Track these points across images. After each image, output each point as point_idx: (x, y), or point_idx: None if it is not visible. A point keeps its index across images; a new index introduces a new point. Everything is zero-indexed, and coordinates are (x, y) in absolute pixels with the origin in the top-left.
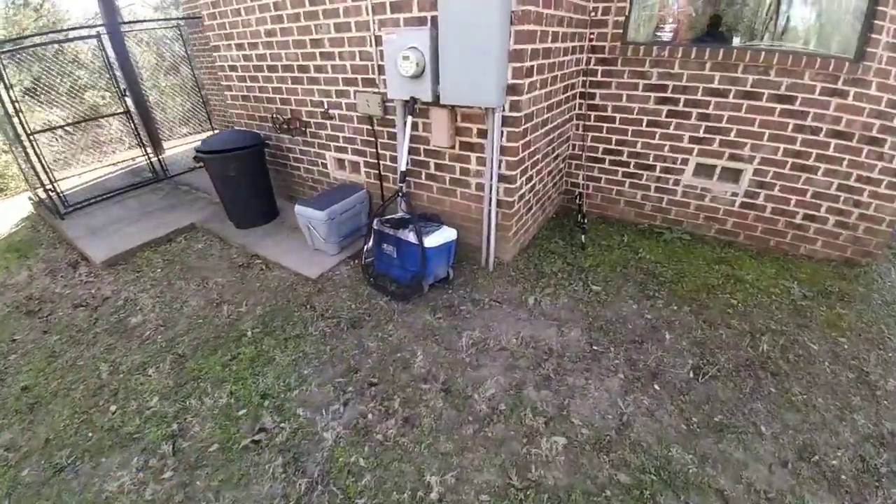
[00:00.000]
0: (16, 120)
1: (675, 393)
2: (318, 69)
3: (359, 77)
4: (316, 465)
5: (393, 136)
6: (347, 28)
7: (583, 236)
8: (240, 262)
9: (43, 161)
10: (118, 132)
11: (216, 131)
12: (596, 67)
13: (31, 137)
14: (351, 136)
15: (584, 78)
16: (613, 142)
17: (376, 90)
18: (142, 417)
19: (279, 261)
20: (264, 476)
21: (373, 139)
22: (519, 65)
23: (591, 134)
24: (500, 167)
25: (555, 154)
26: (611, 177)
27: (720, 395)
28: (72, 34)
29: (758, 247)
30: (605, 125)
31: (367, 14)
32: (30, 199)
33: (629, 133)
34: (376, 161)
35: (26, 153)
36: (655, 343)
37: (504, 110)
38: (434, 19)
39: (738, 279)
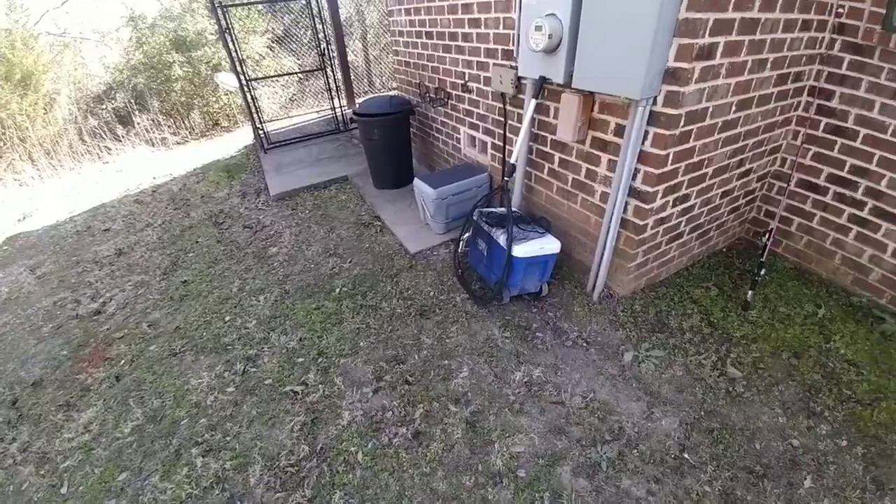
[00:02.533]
0: (237, 65)
1: None
2: (465, 37)
3: (499, 48)
4: (325, 438)
5: (521, 120)
6: None
7: (750, 291)
8: (363, 220)
9: (257, 104)
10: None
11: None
12: (841, 55)
13: (250, 84)
14: (483, 113)
15: (820, 67)
16: (847, 167)
17: (512, 64)
18: (239, 334)
19: (392, 227)
20: (285, 426)
21: (502, 119)
22: (689, 41)
23: (813, 149)
24: (632, 178)
25: (743, 169)
26: (831, 217)
27: None
28: None
29: None
30: (840, 141)
31: None
32: (253, 130)
33: (874, 160)
34: (503, 144)
35: (246, 97)
36: (785, 486)
37: (654, 104)
38: None
39: None
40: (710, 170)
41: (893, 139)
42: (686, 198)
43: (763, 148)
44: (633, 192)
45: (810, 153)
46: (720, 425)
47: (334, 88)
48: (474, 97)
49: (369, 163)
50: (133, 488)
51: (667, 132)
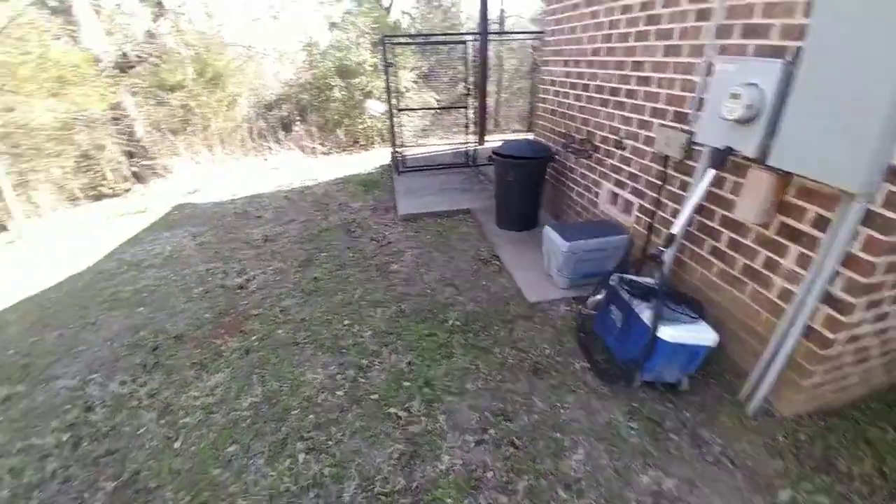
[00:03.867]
0: (392, 95)
1: None
2: (629, 94)
3: (670, 109)
4: (421, 477)
5: (684, 187)
6: (677, 52)
7: None
8: (482, 256)
9: (397, 130)
10: (469, 120)
11: (531, 135)
12: None
13: (397, 112)
14: (636, 172)
15: None
16: None
17: (684, 128)
18: (354, 340)
19: (511, 270)
20: (385, 449)
21: (659, 183)
22: None
23: None
24: (830, 282)
25: None
26: None
27: None
28: (452, 38)
29: None
30: None
31: (708, 37)
32: (392, 152)
33: None
34: (653, 209)
35: (391, 123)
36: None
37: (873, 203)
38: (795, 51)
39: None
40: None
41: None
42: (884, 316)
43: None
44: (827, 299)
45: None
46: None
47: (468, 125)
48: (627, 154)
49: (497, 201)
50: (239, 464)
51: (883, 238)
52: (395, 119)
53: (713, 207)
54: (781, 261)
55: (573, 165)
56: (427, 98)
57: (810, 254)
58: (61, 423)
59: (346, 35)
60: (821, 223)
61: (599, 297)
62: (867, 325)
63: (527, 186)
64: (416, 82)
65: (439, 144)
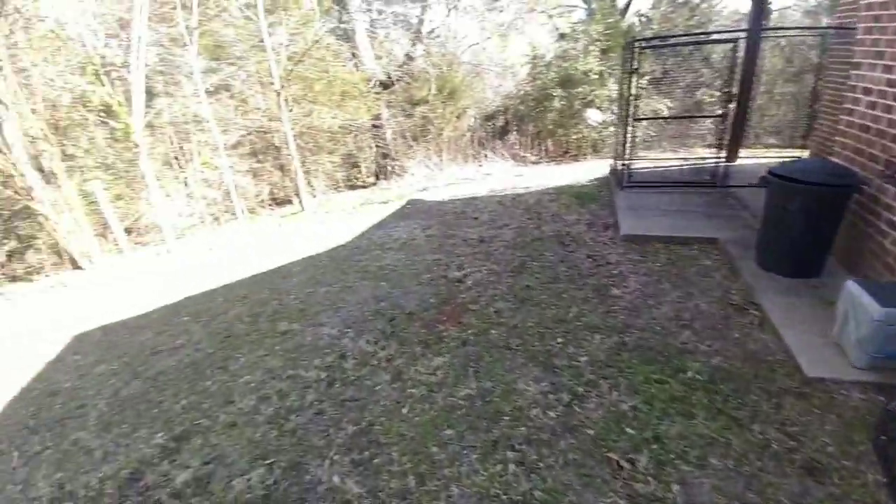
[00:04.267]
0: (632, 103)
1: None
2: None
3: None
4: None
5: None
6: None
7: None
8: (733, 301)
9: (628, 141)
10: (708, 130)
11: (807, 153)
12: None
13: (634, 122)
14: None
15: None
16: None
17: None
18: (569, 362)
19: (778, 327)
20: (603, 498)
21: None
22: None
23: None
24: None
25: None
26: None
27: None
28: (714, 37)
29: None
30: None
31: None
32: (610, 164)
33: None
34: None
35: (624, 132)
36: None
37: None
38: None
39: None
40: None
41: None
42: None
43: None
44: None
45: None
46: None
47: (716, 138)
48: None
49: (764, 233)
50: (453, 449)
51: None
52: (627, 129)
53: None
54: None
55: (892, 203)
56: (656, 106)
57: None
58: (322, 363)
59: (574, 45)
60: None
61: None
62: None
63: (815, 221)
64: (644, 89)
65: (671, 158)
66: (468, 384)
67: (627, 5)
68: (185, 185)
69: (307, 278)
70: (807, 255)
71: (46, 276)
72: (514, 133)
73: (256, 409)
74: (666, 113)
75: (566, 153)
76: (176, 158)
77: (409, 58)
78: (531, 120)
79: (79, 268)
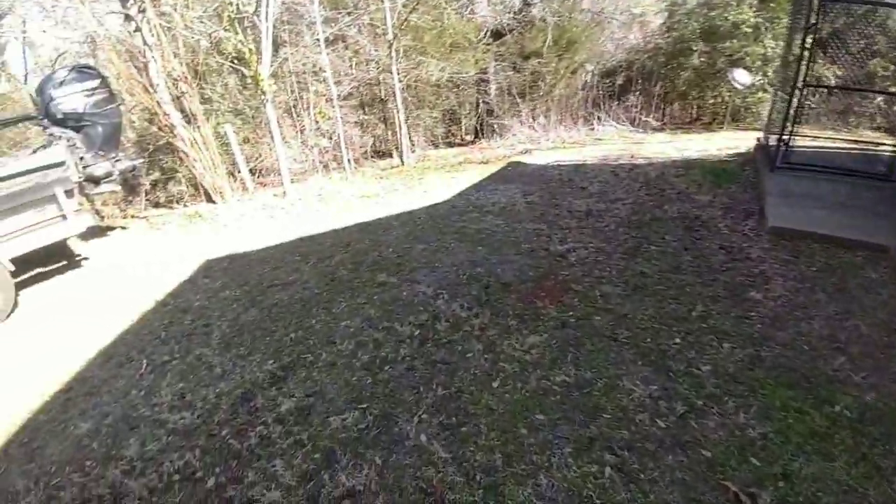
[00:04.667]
0: (802, 67)
1: None
2: None
3: None
4: None
5: None
6: None
7: None
8: None
9: (796, 112)
10: (874, 108)
11: None
12: None
13: (801, 89)
14: None
15: None
16: None
17: None
18: (688, 367)
19: None
20: None
21: None
22: None
23: None
24: None
25: None
26: None
27: None
28: None
29: None
30: None
31: None
32: (757, 139)
33: None
34: None
35: (789, 100)
36: None
37: None
38: None
39: None
40: None
41: None
42: None
43: None
44: None
45: None
46: None
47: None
48: None
49: None
50: (544, 436)
51: None
52: (794, 99)
53: None
54: None
55: None
56: (822, 72)
57: None
58: (416, 320)
59: None
60: None
61: None
62: None
63: None
64: (807, 49)
65: (836, 139)
66: (566, 370)
67: None
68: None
69: (405, 234)
70: None
71: (185, 205)
72: (636, 93)
73: (354, 354)
74: (833, 82)
75: (696, 120)
76: (294, 107)
77: (527, 3)
78: (659, 79)
79: (212, 201)
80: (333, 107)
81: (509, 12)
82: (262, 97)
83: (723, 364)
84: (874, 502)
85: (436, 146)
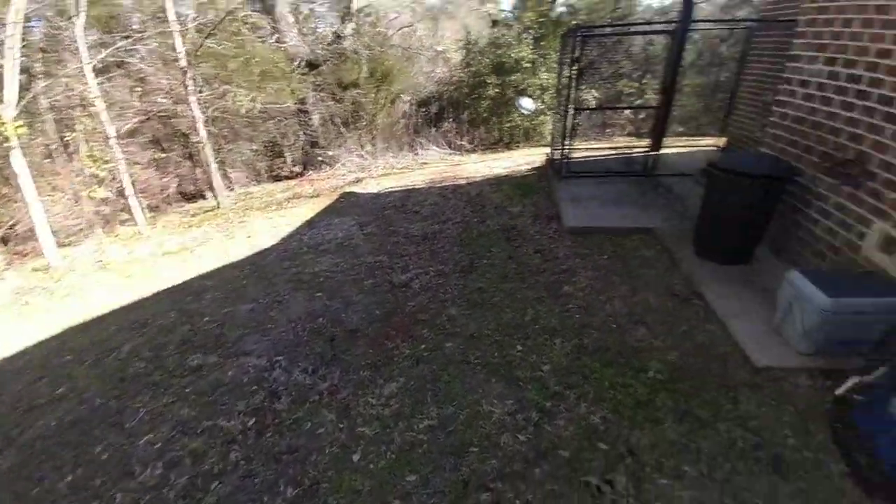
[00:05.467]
0: (571, 93)
1: None
2: None
3: None
4: None
5: None
6: None
7: None
8: (677, 292)
9: (568, 131)
10: (623, 119)
11: (721, 140)
12: None
13: (571, 111)
14: None
15: None
16: None
17: None
18: (532, 373)
19: (724, 317)
20: None
21: None
22: None
23: None
24: None
25: None
26: None
27: None
28: (648, 28)
29: None
30: None
31: None
32: (546, 154)
33: None
34: None
35: (563, 120)
36: None
37: None
38: None
39: None
40: None
41: None
42: None
43: None
44: None
45: None
46: None
47: (643, 128)
48: None
49: (701, 224)
50: (419, 499)
51: None
52: (567, 118)
53: None
54: None
55: (825, 192)
56: (584, 96)
57: None
58: (247, 406)
59: (507, 32)
60: None
61: (871, 378)
62: None
63: (754, 211)
64: (571, 78)
65: (602, 148)
66: (428, 412)
67: None
68: (70, 181)
69: (225, 294)
70: (742, 243)
71: None
72: (449, 120)
73: (165, 481)
74: (594, 103)
75: (500, 141)
76: (67, 149)
77: (338, 36)
78: (466, 107)
79: None
80: (111, 146)
81: (321, 43)
82: (6, 144)
83: (558, 360)
84: (707, 452)
85: (259, 181)
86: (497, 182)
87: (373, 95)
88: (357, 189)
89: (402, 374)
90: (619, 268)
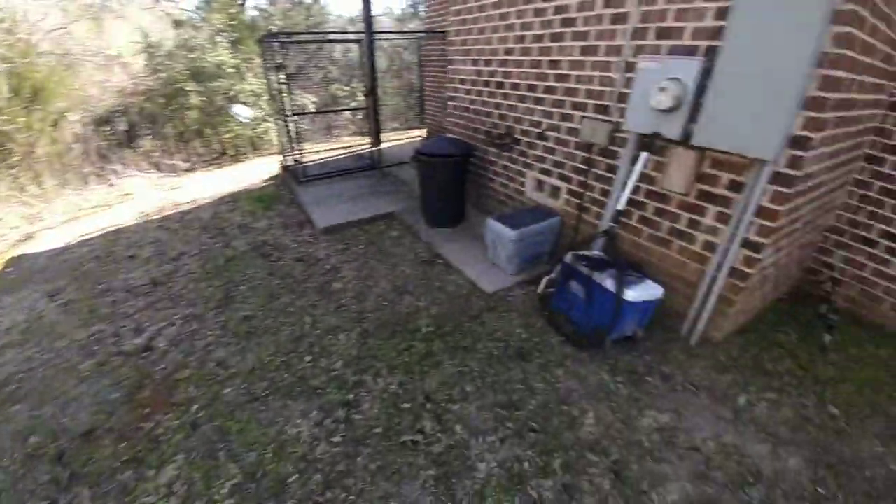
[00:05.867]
0: (286, 99)
1: None
2: (548, 90)
3: (591, 103)
4: (465, 494)
5: (610, 169)
6: (594, 52)
7: (827, 336)
8: (424, 258)
9: (295, 136)
10: (346, 120)
11: (423, 132)
12: (893, 128)
13: (291, 116)
14: (561, 160)
15: (876, 138)
16: None
17: (607, 118)
18: (327, 376)
19: (460, 267)
20: (416, 481)
21: (585, 168)
22: (814, 115)
23: (868, 208)
24: (747, 230)
25: (814, 224)
26: (882, 268)
27: None
28: (341, 36)
29: None
30: (892, 202)
31: (624, 39)
32: (279, 162)
33: None
34: (581, 190)
35: (286, 127)
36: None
37: (778, 165)
38: (710, 50)
39: None
40: (799, 224)
41: None
42: (780, 249)
43: (828, 206)
44: (746, 244)
45: (864, 211)
46: (836, 459)
47: (366, 127)
48: (550, 144)
49: (424, 201)
50: None
51: (786, 190)
52: (290, 125)
53: (638, 184)
54: (702, 219)
55: (493, 158)
56: (302, 101)
57: (726, 210)
58: None
59: (196, 34)
60: (735, 186)
61: (555, 275)
62: (771, 258)
63: (453, 183)
64: (284, 83)
65: (331, 149)
66: (227, 472)
67: None
68: None
69: None
70: (455, 209)
71: None
72: (149, 137)
73: None
74: (312, 107)
75: (223, 154)
76: None
77: None
78: (167, 120)
79: None
80: None
81: None
82: None
83: (348, 353)
84: (476, 369)
85: None
86: (233, 199)
87: (23, 119)
88: (30, 249)
89: (177, 451)
90: (375, 252)
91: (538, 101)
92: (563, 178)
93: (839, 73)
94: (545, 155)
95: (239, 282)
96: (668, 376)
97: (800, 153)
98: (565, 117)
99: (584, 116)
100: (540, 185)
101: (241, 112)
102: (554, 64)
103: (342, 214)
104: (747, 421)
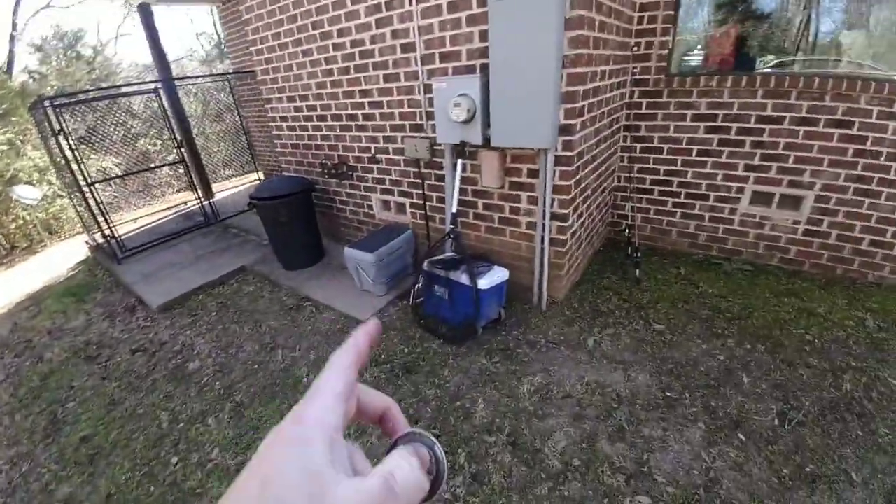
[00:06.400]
0: (75, 167)
1: (763, 443)
2: (367, 117)
3: (406, 123)
4: None
5: (440, 178)
6: (396, 78)
7: (637, 270)
8: (290, 305)
9: (102, 207)
10: (167, 176)
11: (260, 174)
12: (640, 100)
13: (91, 186)
14: (397, 178)
15: (629, 111)
16: (662, 172)
17: (424, 135)
18: (204, 471)
19: (329, 303)
20: None
21: (419, 181)
22: (571, 106)
23: (637, 165)
24: (552, 205)
25: (602, 187)
26: (660, 207)
27: (809, 442)
28: (130, 89)
29: (825, 276)
30: (653, 156)
31: (416, 64)
32: (86, 242)
33: (678, 163)
34: (423, 202)
35: (85, 200)
36: (733, 387)
37: (557, 150)
38: (484, 67)
39: (810, 312)
40: (589, 191)
41: (687, 147)
42: (581, 214)
43: (609, 171)
44: (554, 217)
45: (636, 168)
46: (673, 365)
47: (196, 181)
48: (384, 166)
49: (276, 246)
50: None
51: (568, 168)
52: (91, 196)
53: (465, 186)
54: (519, 205)
55: (336, 189)
56: (103, 164)
57: (533, 194)
58: None
59: None
60: (532, 173)
61: (420, 285)
62: (576, 223)
63: (302, 220)
64: (74, 149)
65: (154, 214)
66: None
67: (10, 62)
68: None
69: None
70: (311, 245)
71: None
72: None
73: None
74: (117, 171)
75: (13, 249)
76: None
77: None
78: None
79: None
80: None
81: None
82: None
83: (224, 435)
84: (430, 411)
85: None
86: (34, 301)
87: None
88: None
89: None
90: (232, 315)
91: (361, 128)
92: (403, 194)
93: (581, 70)
94: (382, 176)
95: (64, 399)
96: (533, 343)
97: (569, 138)
98: (389, 139)
99: (404, 136)
100: (386, 204)
101: (25, 193)
102: (365, 93)
103: (182, 284)
104: (599, 357)
